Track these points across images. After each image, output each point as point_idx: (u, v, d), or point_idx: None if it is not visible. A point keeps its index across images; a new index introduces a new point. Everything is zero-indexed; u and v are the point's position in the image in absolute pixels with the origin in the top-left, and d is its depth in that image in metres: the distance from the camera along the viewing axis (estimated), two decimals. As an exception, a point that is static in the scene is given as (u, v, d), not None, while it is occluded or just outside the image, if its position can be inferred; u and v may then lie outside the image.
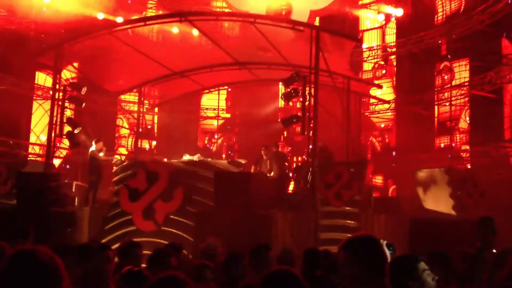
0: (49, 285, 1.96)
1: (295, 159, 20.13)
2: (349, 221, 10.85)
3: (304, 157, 15.98)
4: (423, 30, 18.94)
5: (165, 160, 13.99)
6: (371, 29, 22.01)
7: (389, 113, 21.00)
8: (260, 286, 2.48)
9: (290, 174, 15.98)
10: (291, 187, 16.06)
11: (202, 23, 14.18)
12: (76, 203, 13.61)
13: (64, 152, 20.02)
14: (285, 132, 21.45)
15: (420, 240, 9.65)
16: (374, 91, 19.77)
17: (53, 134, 13.86)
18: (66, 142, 16.95)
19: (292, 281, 2.44)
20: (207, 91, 20.25)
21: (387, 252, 3.99)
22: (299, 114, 13.09)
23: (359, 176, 11.31)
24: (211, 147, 22.69)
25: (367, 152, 20.83)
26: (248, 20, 13.75)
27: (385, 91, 20.42)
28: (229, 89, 22.49)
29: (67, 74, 18.82)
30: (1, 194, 12.44)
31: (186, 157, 13.50)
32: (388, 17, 21.01)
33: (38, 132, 19.68)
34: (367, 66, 22.06)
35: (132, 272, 3.74)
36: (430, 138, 18.92)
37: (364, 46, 21.57)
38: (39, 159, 18.67)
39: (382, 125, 21.56)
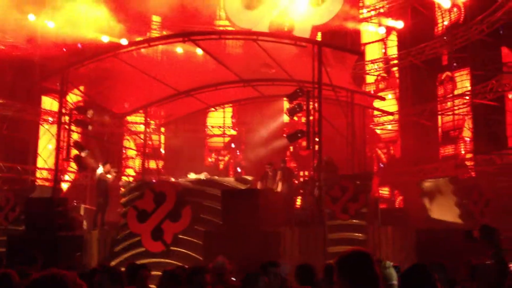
0: None
1: (301, 173, 20.14)
2: (356, 234, 10.82)
3: (310, 171, 15.98)
4: (423, 42, 19.05)
5: (172, 179, 14.06)
6: (372, 42, 22.15)
7: (393, 125, 21.03)
8: None
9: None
10: (298, 202, 16.06)
11: (205, 42, 14.34)
12: (84, 226, 13.66)
13: (72, 176, 20.16)
14: (291, 147, 21.51)
15: (427, 251, 9.62)
16: (377, 103, 19.84)
17: (60, 158, 13.99)
18: (73, 166, 17.12)
19: None
20: (212, 109, 20.38)
21: (394, 274, 4.03)
22: (304, 129, 13.17)
23: (365, 189, 11.30)
24: (218, 165, 22.76)
25: (372, 164, 20.82)
26: (251, 38, 13.90)
27: (389, 103, 20.48)
28: (235, 107, 22.61)
29: (73, 97, 19.02)
30: (10, 221, 12.52)
31: (192, 176, 13.55)
32: (389, 30, 21.14)
33: (46, 156, 19.83)
34: (369, 78, 22.16)
35: None
36: (434, 148, 18.92)
37: (366, 59, 21.69)
38: (47, 183, 18.79)
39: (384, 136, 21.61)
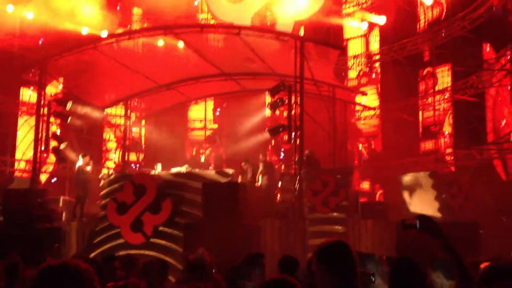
0: None
1: (283, 167, 20.18)
2: (336, 227, 10.93)
3: (290, 165, 16.05)
4: (406, 37, 19.21)
5: (158, 171, 14.01)
6: (355, 37, 22.23)
7: (375, 120, 21.18)
8: None
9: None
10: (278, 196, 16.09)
11: (187, 35, 14.27)
12: (63, 218, 13.52)
13: (51, 167, 19.89)
14: (273, 141, 21.53)
15: (407, 244, 9.71)
16: (359, 98, 19.97)
17: (38, 150, 13.80)
18: (52, 157, 16.88)
19: None
20: (194, 102, 20.28)
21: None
22: (285, 123, 13.19)
23: (345, 183, 11.40)
24: (199, 158, 22.69)
25: (354, 159, 20.96)
26: (233, 31, 13.86)
27: (370, 98, 20.62)
28: (216, 100, 22.54)
29: (52, 89, 18.75)
30: (-13, 212, 12.34)
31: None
32: (371, 26, 21.25)
33: (24, 148, 19.54)
34: (352, 73, 22.26)
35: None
36: (415, 142, 19.11)
37: (349, 54, 21.79)
38: (25, 175, 18.52)
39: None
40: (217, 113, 23.67)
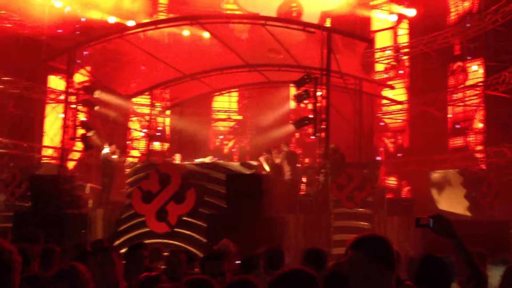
0: None
1: (306, 160, 20.07)
2: (362, 223, 10.80)
3: (315, 158, 15.91)
4: (436, 30, 18.80)
5: (177, 161, 14.05)
6: (383, 29, 21.88)
7: (402, 114, 20.86)
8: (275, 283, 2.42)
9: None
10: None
11: (212, 26, 14.21)
12: (89, 205, 13.70)
13: (78, 155, 20.16)
14: (296, 134, 21.42)
15: (434, 242, 9.55)
16: (386, 92, 19.67)
17: (66, 137, 13.97)
18: (79, 145, 17.09)
19: (306, 281, 2.37)
20: (218, 93, 20.28)
21: None
22: (310, 115, 13.07)
23: (371, 178, 11.25)
24: (223, 149, 22.73)
25: (380, 154, 20.72)
26: (259, 22, 13.75)
27: (398, 92, 20.29)
28: (240, 91, 22.50)
29: (80, 77, 18.95)
30: (16, 197, 12.58)
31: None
32: (400, 18, 20.88)
33: (52, 135, 19.84)
34: (379, 67, 21.95)
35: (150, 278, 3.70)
36: (443, 139, 18.75)
37: (376, 46, 21.47)
38: (53, 161, 18.80)
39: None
40: (241, 105, 23.66)
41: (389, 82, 20.43)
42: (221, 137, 22.44)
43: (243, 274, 4.55)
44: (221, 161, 13.51)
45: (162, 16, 22.18)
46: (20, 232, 6.57)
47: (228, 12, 23.15)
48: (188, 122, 19.89)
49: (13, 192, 12.62)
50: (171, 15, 21.95)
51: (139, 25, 15.50)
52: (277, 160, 14.23)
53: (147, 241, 10.40)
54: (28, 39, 18.13)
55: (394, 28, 21.61)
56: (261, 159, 14.12)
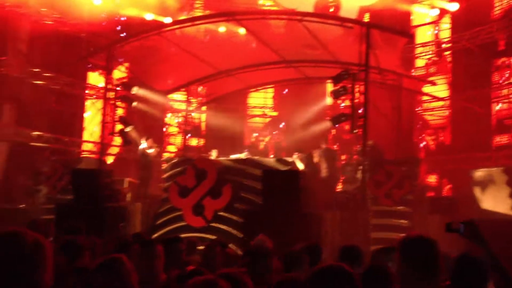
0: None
1: (343, 157, 19.88)
2: (401, 221, 10.60)
3: (352, 155, 15.72)
4: (479, 25, 18.24)
5: (213, 157, 14.12)
6: (423, 24, 21.38)
7: (443, 111, 20.36)
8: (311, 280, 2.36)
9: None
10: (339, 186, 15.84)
11: (248, 22, 14.23)
12: (128, 198, 13.91)
13: (116, 150, 20.52)
14: (333, 130, 21.21)
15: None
16: (427, 88, 19.23)
17: (105, 132, 14.24)
18: (118, 140, 17.39)
19: (344, 278, 2.30)
20: (253, 89, 20.27)
21: None
22: (347, 112, 12.92)
23: (411, 175, 11.02)
24: (259, 145, 22.73)
25: (419, 151, 20.30)
26: (295, 18, 13.66)
27: (439, 88, 19.78)
28: (276, 87, 22.44)
29: (118, 74, 19.26)
30: (58, 190, 12.90)
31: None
32: (442, 12, 20.34)
33: (91, 130, 20.25)
34: (419, 62, 21.46)
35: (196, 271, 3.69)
36: (486, 136, 18.16)
37: (417, 42, 21.00)
38: (92, 156, 19.19)
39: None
40: (277, 101, 23.60)
41: (430, 78, 19.96)
42: (255, 134, 22.44)
43: (287, 272, 4.49)
44: (257, 157, 13.49)
45: (198, 12, 22.33)
46: (62, 224, 6.70)
47: (265, 8, 23.10)
48: (224, 118, 19.97)
49: (54, 185, 12.96)
50: (207, 12, 22.07)
51: (176, 22, 15.64)
52: (315, 159, 14.11)
53: (184, 235, 10.57)
54: (69, 36, 18.51)
55: (435, 22, 21.09)
56: (295, 158, 14.02)
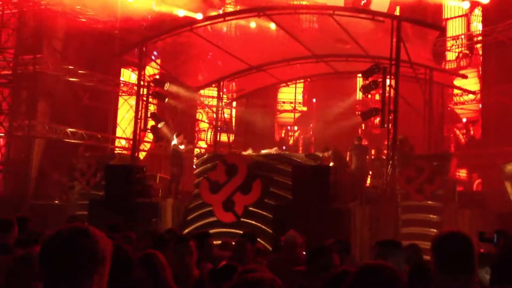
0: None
1: (373, 152, 19.79)
2: (431, 216, 10.50)
3: (380, 149, 15.59)
4: (511, 17, 17.83)
5: (243, 153, 14.23)
6: (455, 17, 21.02)
7: (475, 104, 20.00)
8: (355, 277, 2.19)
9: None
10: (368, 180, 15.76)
11: (279, 17, 14.23)
12: (160, 194, 14.16)
13: (148, 146, 20.87)
14: (363, 125, 21.09)
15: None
16: (458, 82, 18.93)
17: (138, 129, 14.51)
18: (150, 136, 17.69)
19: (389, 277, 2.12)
20: (284, 84, 20.30)
21: None
22: (378, 106, 12.84)
23: (442, 170, 10.90)
24: (288, 140, 22.77)
25: (450, 145, 20.01)
26: (326, 12, 13.62)
27: (470, 81, 19.46)
28: (306, 82, 22.41)
29: (150, 70, 19.56)
30: (91, 186, 13.22)
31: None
32: (473, 5, 19.95)
33: (124, 126, 20.63)
34: (450, 55, 21.13)
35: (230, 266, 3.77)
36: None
37: (448, 35, 20.66)
38: (125, 152, 19.57)
39: (465, 119, 20.61)
40: (307, 96, 23.56)
41: (461, 71, 19.64)
42: (288, 128, 22.50)
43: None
44: (287, 152, 13.55)
45: (229, 8, 22.45)
46: (96, 220, 6.94)
47: (295, 2, 23.06)
48: (254, 113, 20.08)
49: (88, 182, 13.25)
50: (238, 7, 22.16)
51: (207, 18, 15.80)
52: (347, 156, 14.11)
53: (214, 231, 10.74)
54: (102, 34, 18.87)
55: (467, 15, 20.71)
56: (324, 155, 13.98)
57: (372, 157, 15.82)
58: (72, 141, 17.75)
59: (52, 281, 1.82)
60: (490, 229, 10.11)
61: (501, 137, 17.22)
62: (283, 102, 23.65)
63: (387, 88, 12.43)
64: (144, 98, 14.77)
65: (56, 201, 15.59)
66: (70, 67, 18.02)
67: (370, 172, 15.14)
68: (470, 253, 2.64)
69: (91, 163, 13.37)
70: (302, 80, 21.27)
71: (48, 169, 17.32)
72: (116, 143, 20.44)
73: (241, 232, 10.36)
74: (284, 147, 15.42)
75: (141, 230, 6.82)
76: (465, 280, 2.60)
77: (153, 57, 18.34)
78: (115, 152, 19.18)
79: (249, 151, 14.66)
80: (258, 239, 9.96)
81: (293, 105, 23.50)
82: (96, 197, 12.41)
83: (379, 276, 2.09)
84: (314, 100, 23.45)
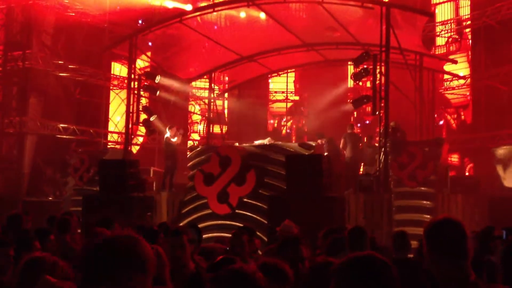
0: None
1: (365, 139, 19.88)
2: (424, 202, 10.61)
3: (372, 136, 15.65)
4: (499, 1, 17.88)
5: (237, 144, 14.24)
6: (443, 2, 21.04)
7: (465, 89, 20.11)
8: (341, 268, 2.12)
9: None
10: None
11: (269, 6, 14.21)
12: (154, 188, 14.17)
13: (141, 139, 20.84)
14: (355, 113, 21.15)
15: (500, 220, 9.30)
16: (448, 67, 19.01)
17: (130, 122, 14.47)
18: (142, 130, 17.67)
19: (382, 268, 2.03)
20: (275, 74, 20.31)
21: None
22: (369, 94, 12.89)
23: (434, 156, 10.97)
24: (281, 130, 22.79)
25: (442, 130, 20.13)
26: (316, 0, 13.61)
27: (460, 66, 19.54)
28: (297, 72, 22.40)
29: (141, 63, 19.47)
30: (85, 181, 13.20)
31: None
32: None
33: (116, 120, 20.58)
34: (440, 41, 21.17)
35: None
36: (509, 114, 17.92)
37: (437, 20, 20.69)
38: (117, 146, 19.54)
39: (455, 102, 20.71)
40: (298, 85, 23.55)
41: (451, 57, 19.71)
42: (283, 119, 22.47)
43: (329, 256, 4.43)
44: (280, 143, 13.57)
45: (218, -2, 22.33)
46: (91, 216, 6.93)
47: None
48: (246, 104, 20.08)
49: (81, 177, 13.23)
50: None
51: (197, 9, 15.73)
52: (341, 144, 14.19)
53: (210, 223, 10.79)
54: (92, 27, 18.76)
55: (455, 0, 20.74)
56: (318, 142, 14.04)
57: (365, 144, 15.87)
58: (64, 136, 17.70)
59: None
60: (481, 212, 10.29)
61: (492, 121, 17.36)
62: (275, 92, 23.65)
63: (378, 75, 12.47)
64: (136, 92, 14.73)
65: (50, 198, 15.57)
66: (60, 62, 17.93)
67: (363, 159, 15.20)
68: (464, 238, 2.69)
69: (84, 159, 13.32)
70: (294, 69, 21.29)
71: (41, 166, 17.29)
72: (109, 138, 20.40)
73: (236, 223, 10.46)
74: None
75: (133, 225, 6.82)
76: (459, 266, 2.65)
77: (145, 49, 18.22)
78: (108, 146, 19.15)
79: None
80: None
81: (285, 94, 23.50)
82: (90, 192, 12.39)
83: (368, 266, 2.00)
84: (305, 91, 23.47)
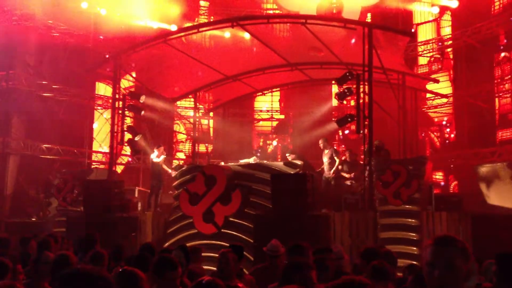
0: None
1: (347, 154, 19.97)
2: (409, 220, 10.66)
3: (355, 153, 15.71)
4: (479, 21, 18.30)
5: (222, 163, 14.22)
6: (425, 22, 21.46)
7: (448, 107, 20.41)
8: None
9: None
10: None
11: (253, 27, 14.35)
12: (139, 208, 14.05)
13: (126, 159, 20.71)
14: (339, 132, 21.30)
15: (483, 237, 9.38)
16: (431, 86, 19.31)
17: (115, 142, 14.39)
18: (127, 149, 17.59)
19: None
20: (260, 93, 20.43)
21: None
22: (353, 113, 13.01)
23: (418, 174, 11.07)
24: (267, 149, 22.82)
25: (425, 148, 20.34)
26: (299, 21, 13.79)
27: (443, 85, 19.85)
28: (282, 91, 22.55)
29: (125, 83, 19.46)
30: (68, 202, 13.04)
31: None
32: (442, 9, 20.42)
33: (100, 140, 20.45)
34: (422, 60, 21.54)
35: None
36: (491, 131, 18.21)
37: (419, 40, 21.09)
38: (102, 166, 19.38)
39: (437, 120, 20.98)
40: (283, 104, 23.68)
41: (433, 76, 20.04)
42: (268, 138, 22.52)
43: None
44: (265, 161, 13.59)
45: (203, 19, 22.51)
46: (74, 236, 6.85)
47: (269, 12, 23.24)
48: (231, 123, 20.12)
49: (64, 198, 13.05)
50: (212, 18, 22.25)
51: (181, 29, 15.82)
52: (324, 157, 14.24)
53: (195, 243, 10.70)
54: (75, 47, 18.75)
55: (436, 20, 21.17)
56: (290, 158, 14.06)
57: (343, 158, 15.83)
58: (48, 157, 17.54)
59: None
60: (465, 230, 10.35)
61: (475, 139, 17.59)
62: (260, 111, 23.75)
63: (361, 95, 12.61)
64: (120, 112, 14.69)
65: (33, 218, 15.34)
66: (43, 82, 17.86)
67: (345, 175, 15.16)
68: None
69: (67, 179, 13.18)
70: (278, 89, 21.43)
71: (24, 186, 17.08)
72: (93, 158, 20.25)
73: (223, 243, 10.41)
74: (258, 155, 15.38)
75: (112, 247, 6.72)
76: None
77: (130, 69, 18.23)
78: (92, 166, 19.00)
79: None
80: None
81: (270, 113, 23.60)
82: (73, 213, 12.25)
83: None
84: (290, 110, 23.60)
